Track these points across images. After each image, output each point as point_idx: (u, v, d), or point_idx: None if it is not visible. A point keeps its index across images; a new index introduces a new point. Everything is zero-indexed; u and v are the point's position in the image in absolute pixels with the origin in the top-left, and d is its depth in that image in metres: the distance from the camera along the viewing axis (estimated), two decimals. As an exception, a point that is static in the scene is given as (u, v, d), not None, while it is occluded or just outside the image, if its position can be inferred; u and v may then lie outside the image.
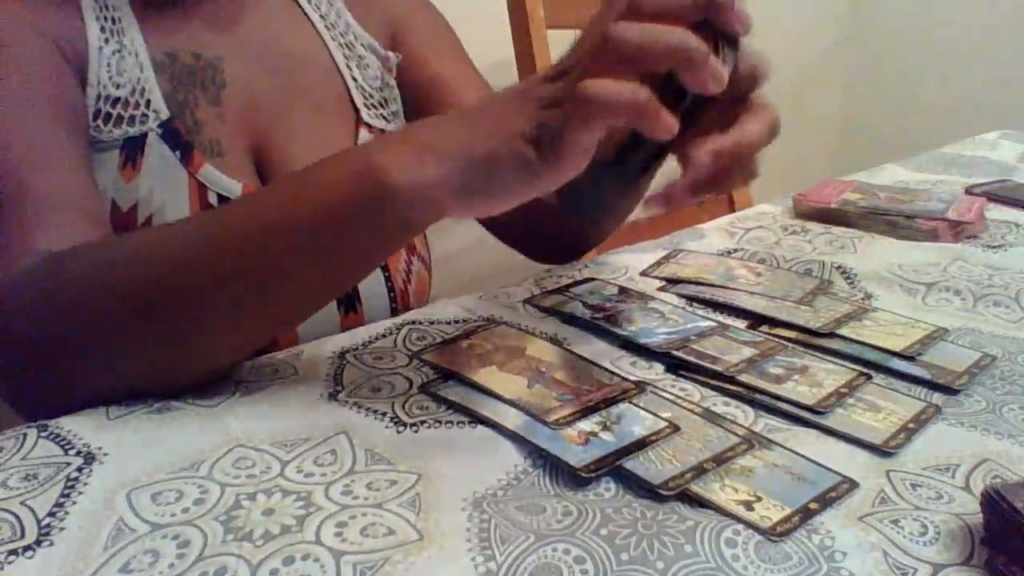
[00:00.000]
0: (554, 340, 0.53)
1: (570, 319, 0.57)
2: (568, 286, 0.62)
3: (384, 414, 0.45)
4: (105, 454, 0.41)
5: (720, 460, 0.41)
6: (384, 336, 0.54)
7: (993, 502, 0.35)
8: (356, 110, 0.70)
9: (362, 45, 0.72)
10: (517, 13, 1.22)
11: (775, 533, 0.36)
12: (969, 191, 0.87)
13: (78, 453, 0.41)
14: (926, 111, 2.20)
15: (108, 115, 0.58)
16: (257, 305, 0.45)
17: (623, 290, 0.61)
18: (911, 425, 0.45)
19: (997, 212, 0.80)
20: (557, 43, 1.25)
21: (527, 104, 0.42)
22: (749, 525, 0.37)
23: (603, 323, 0.55)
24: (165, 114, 0.60)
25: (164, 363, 0.46)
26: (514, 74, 1.22)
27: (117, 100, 0.59)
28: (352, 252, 0.45)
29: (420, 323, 0.55)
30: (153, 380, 0.46)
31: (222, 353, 0.47)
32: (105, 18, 0.59)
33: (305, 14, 0.70)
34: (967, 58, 2.15)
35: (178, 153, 0.60)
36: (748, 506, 0.38)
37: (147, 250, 0.47)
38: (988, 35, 2.12)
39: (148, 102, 0.59)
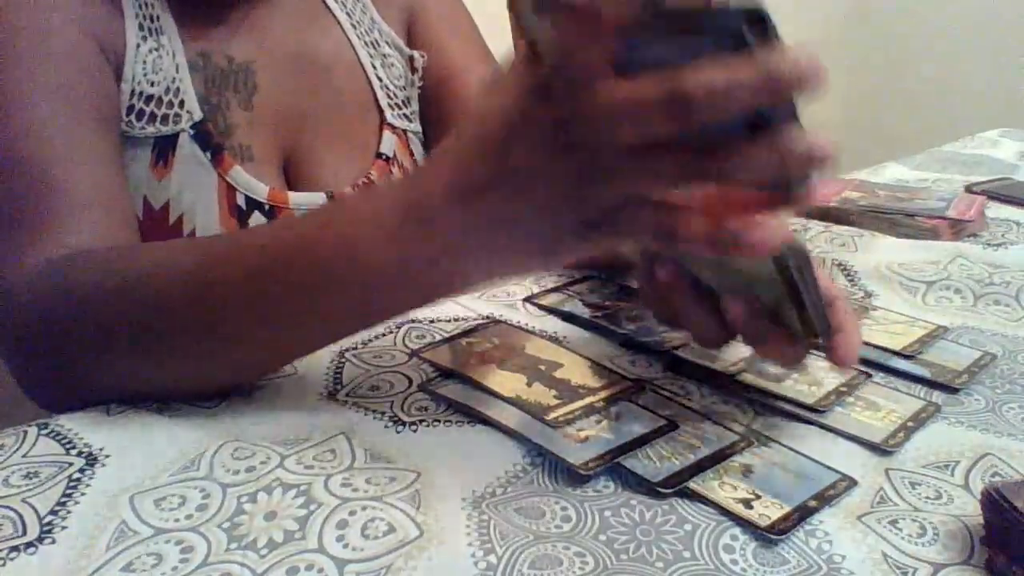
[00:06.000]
0: (553, 338, 0.53)
1: (570, 317, 0.57)
2: (568, 284, 0.62)
3: (383, 413, 0.45)
4: (107, 455, 0.41)
5: (719, 458, 0.41)
6: (384, 335, 0.54)
7: (993, 501, 0.35)
8: (380, 111, 0.70)
9: (387, 43, 0.72)
10: (517, 11, 1.21)
11: (774, 531, 0.36)
12: (969, 189, 0.87)
13: (79, 453, 0.41)
14: (926, 109, 2.20)
15: (141, 112, 0.59)
16: (271, 338, 0.45)
17: (623, 288, 0.61)
18: (910, 424, 0.45)
19: (997, 210, 0.80)
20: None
21: (550, 182, 0.36)
22: (748, 523, 0.37)
23: (603, 321, 0.55)
24: (198, 115, 0.61)
25: (172, 379, 0.46)
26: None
27: (151, 98, 0.59)
28: (368, 318, 0.45)
29: (419, 321, 0.55)
30: (158, 391, 0.46)
31: (222, 376, 0.46)
32: (144, 16, 0.60)
33: (332, 14, 0.70)
34: (967, 57, 2.15)
35: (208, 154, 0.61)
36: (747, 504, 0.38)
37: (171, 266, 0.45)
38: (989, 34, 2.12)
39: (182, 102, 0.60)
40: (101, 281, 0.46)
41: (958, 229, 0.74)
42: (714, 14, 0.33)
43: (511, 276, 0.49)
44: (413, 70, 0.73)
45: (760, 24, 0.32)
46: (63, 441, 0.42)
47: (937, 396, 0.48)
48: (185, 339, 0.44)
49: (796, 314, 0.41)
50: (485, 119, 0.38)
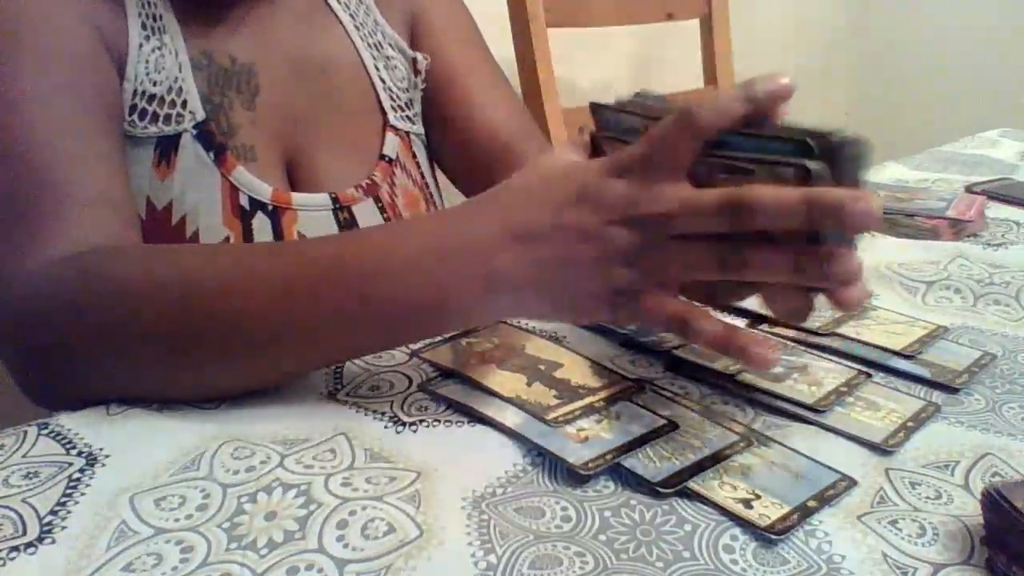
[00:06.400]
0: (553, 338, 0.53)
1: (570, 318, 0.57)
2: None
3: (383, 413, 0.45)
4: (107, 456, 0.41)
5: (719, 458, 0.41)
6: (384, 335, 0.54)
7: (993, 501, 0.35)
8: (383, 112, 0.70)
9: (390, 45, 0.73)
10: (517, 12, 1.22)
11: (773, 531, 0.36)
12: (969, 189, 0.87)
13: (79, 453, 0.41)
14: (926, 109, 2.20)
15: (144, 111, 0.59)
16: (294, 354, 0.45)
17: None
18: (910, 423, 0.45)
19: (997, 210, 0.80)
20: (557, 42, 1.26)
21: (600, 247, 0.40)
22: (747, 523, 0.37)
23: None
24: (201, 115, 0.61)
25: (181, 384, 0.46)
26: (515, 73, 1.22)
27: (153, 97, 0.60)
28: (392, 340, 0.46)
29: (420, 322, 0.55)
30: (161, 394, 0.46)
31: (240, 385, 0.46)
32: (147, 15, 0.60)
33: (335, 15, 0.70)
34: (967, 57, 2.15)
35: (211, 154, 0.61)
36: (747, 504, 0.38)
37: (200, 272, 0.45)
38: (988, 34, 2.12)
39: (184, 102, 0.60)
40: (131, 278, 0.46)
41: (958, 229, 0.74)
42: (788, 139, 0.39)
43: (535, 319, 0.52)
44: (416, 72, 0.73)
45: (851, 151, 0.38)
46: (63, 441, 0.42)
47: (937, 396, 0.48)
48: (211, 346, 0.44)
49: None
50: (552, 178, 0.42)
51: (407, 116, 0.73)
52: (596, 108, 0.47)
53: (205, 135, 0.61)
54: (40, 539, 0.35)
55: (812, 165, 0.37)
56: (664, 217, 0.39)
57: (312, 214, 0.64)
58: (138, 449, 0.41)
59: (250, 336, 0.44)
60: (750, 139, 0.39)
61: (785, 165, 0.38)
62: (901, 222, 0.75)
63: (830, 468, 0.41)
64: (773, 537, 0.36)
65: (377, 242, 0.44)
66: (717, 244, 0.39)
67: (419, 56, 0.73)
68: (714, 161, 0.40)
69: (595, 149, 0.47)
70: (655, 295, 0.41)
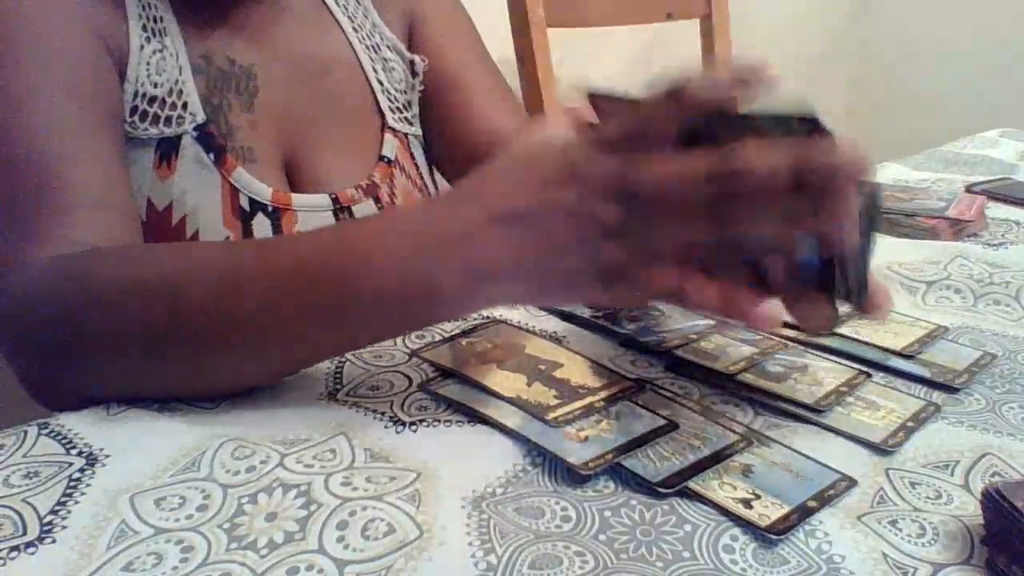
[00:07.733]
0: (554, 338, 0.53)
1: (570, 317, 0.57)
2: (568, 285, 0.62)
3: (383, 413, 0.45)
4: (107, 455, 0.41)
5: (719, 458, 0.41)
6: (384, 335, 0.54)
7: (994, 501, 0.35)
8: (381, 114, 0.70)
9: (387, 47, 0.73)
10: (517, 12, 1.22)
11: (773, 531, 0.36)
12: (969, 189, 0.87)
13: (79, 453, 0.41)
14: (926, 109, 2.20)
15: (144, 113, 0.59)
16: (290, 348, 0.45)
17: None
18: (910, 424, 0.45)
19: (997, 210, 0.80)
20: (557, 42, 1.26)
21: (587, 225, 0.39)
22: (748, 523, 0.37)
23: (603, 321, 0.55)
24: (201, 117, 0.61)
25: (174, 383, 0.46)
26: (515, 73, 1.22)
27: (154, 99, 0.60)
28: (383, 332, 0.46)
29: (420, 322, 0.55)
30: (163, 392, 0.46)
31: (233, 383, 0.46)
32: (148, 17, 0.60)
33: (334, 17, 0.70)
34: (967, 57, 2.15)
35: (211, 156, 0.61)
36: (747, 504, 0.38)
37: (196, 270, 0.45)
38: (989, 34, 2.12)
39: (185, 104, 0.60)
40: (116, 279, 0.46)
41: (958, 229, 0.74)
42: (773, 117, 0.37)
43: (530, 304, 0.51)
44: (414, 74, 0.74)
45: (812, 125, 0.36)
46: (63, 441, 0.42)
47: (937, 396, 0.48)
48: (201, 344, 0.44)
49: (836, 276, 0.40)
50: (536, 155, 0.41)
51: (405, 118, 0.73)
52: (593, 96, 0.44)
53: (205, 137, 0.61)
54: (40, 539, 0.35)
55: (819, 118, 0.36)
56: (653, 189, 0.38)
57: (312, 215, 0.64)
58: (138, 449, 0.41)
59: (236, 336, 0.43)
60: (734, 120, 0.38)
61: (783, 122, 0.36)
62: (901, 222, 0.75)
63: (830, 468, 0.41)
64: (773, 537, 0.36)
65: (363, 235, 0.44)
66: (705, 205, 0.38)
67: (417, 58, 0.74)
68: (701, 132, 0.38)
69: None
70: (649, 269, 0.40)
